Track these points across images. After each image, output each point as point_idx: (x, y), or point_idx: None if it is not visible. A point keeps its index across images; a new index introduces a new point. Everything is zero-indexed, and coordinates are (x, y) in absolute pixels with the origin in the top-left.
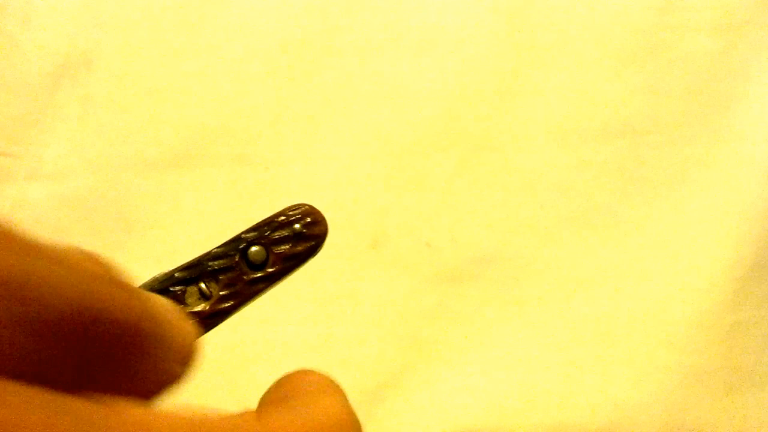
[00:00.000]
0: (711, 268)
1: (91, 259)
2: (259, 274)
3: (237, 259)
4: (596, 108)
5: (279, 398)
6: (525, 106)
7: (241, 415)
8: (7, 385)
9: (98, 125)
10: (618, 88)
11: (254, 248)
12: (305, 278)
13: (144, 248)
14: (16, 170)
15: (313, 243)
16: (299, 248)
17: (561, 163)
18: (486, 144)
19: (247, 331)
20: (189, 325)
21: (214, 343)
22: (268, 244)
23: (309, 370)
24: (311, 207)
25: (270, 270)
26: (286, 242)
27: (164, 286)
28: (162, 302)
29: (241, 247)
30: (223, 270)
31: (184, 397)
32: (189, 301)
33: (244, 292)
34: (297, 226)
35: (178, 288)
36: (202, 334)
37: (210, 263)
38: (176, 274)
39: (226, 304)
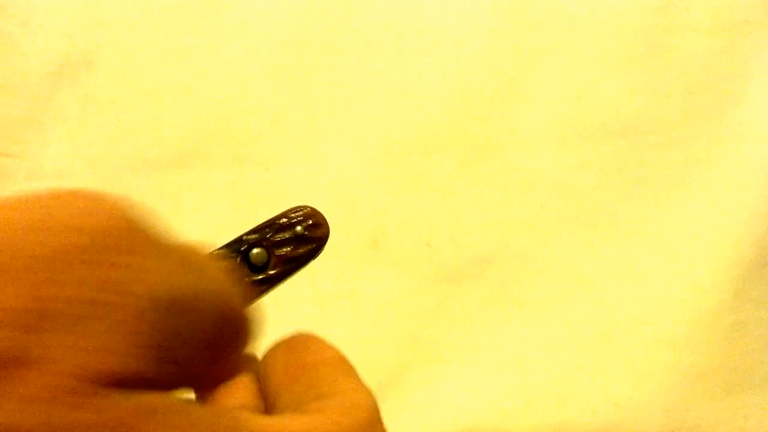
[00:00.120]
0: (711, 268)
1: (210, 255)
2: (260, 277)
3: (238, 261)
4: (596, 108)
5: (298, 381)
6: (525, 106)
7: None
8: (170, 402)
9: (98, 125)
10: (618, 88)
11: (256, 250)
12: (305, 278)
13: None
14: (16, 170)
15: (314, 245)
16: (301, 250)
17: (561, 164)
18: (486, 144)
19: None
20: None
21: None
22: (269, 246)
23: (313, 338)
24: (313, 209)
25: (271, 272)
26: (287, 244)
27: None
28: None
29: (242, 249)
30: None
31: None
32: None
33: (245, 295)
34: (299, 228)
35: None
36: None
37: None
38: None
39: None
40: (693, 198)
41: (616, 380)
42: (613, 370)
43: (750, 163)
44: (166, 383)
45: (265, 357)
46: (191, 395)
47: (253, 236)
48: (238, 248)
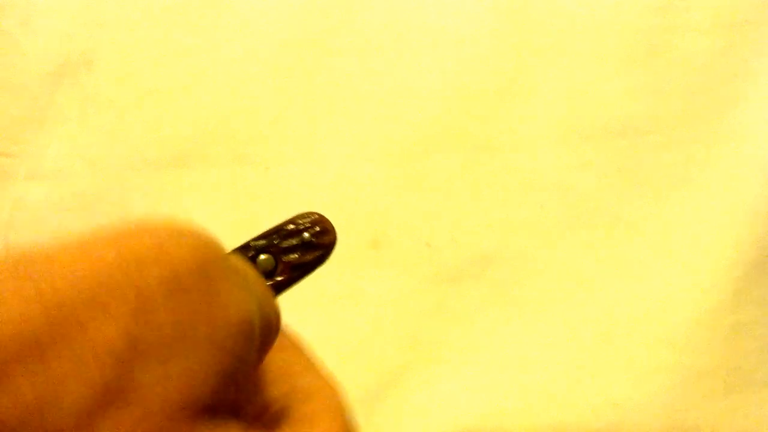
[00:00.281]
0: (711, 268)
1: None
2: (267, 283)
3: None
4: (596, 108)
5: (273, 384)
6: (525, 106)
7: None
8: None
9: (98, 125)
10: (618, 88)
11: (263, 256)
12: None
13: None
14: (16, 170)
15: (321, 252)
16: (308, 257)
17: (561, 164)
18: (486, 144)
19: None
20: None
21: None
22: (277, 253)
23: (310, 367)
24: (321, 216)
25: (279, 279)
26: (295, 251)
27: None
28: None
29: (249, 255)
30: None
31: None
32: None
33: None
34: (306, 234)
35: None
36: None
37: None
38: None
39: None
40: (693, 198)
41: (616, 380)
42: (613, 370)
43: (750, 163)
44: (233, 406)
45: None
46: None
47: (261, 242)
48: (245, 254)
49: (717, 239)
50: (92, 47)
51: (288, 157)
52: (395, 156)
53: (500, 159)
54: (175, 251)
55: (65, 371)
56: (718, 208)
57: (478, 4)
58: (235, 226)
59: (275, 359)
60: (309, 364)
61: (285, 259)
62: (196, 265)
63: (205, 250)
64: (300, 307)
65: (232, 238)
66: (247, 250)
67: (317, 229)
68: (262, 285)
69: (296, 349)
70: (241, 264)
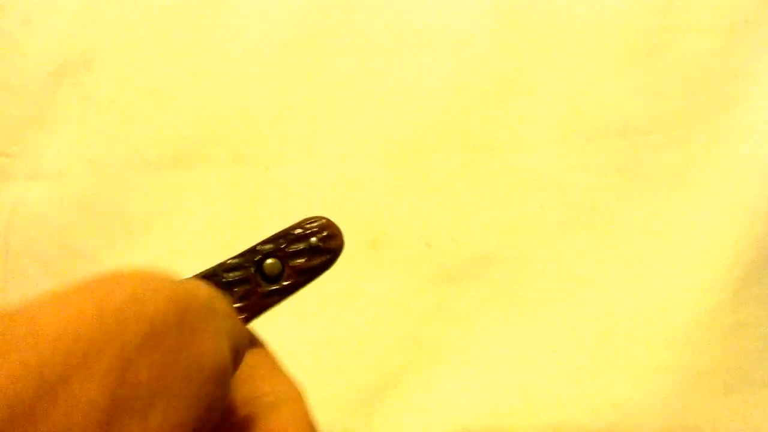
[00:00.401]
0: (711, 268)
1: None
2: (274, 287)
3: (252, 272)
4: (596, 108)
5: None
6: (525, 107)
7: None
8: None
9: (98, 125)
10: (618, 88)
11: (269, 260)
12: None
13: (144, 248)
14: (16, 170)
15: (328, 257)
16: (315, 262)
17: (561, 164)
18: (486, 144)
19: None
20: None
21: None
22: (283, 257)
23: (277, 372)
24: (328, 220)
25: (285, 283)
26: (302, 255)
27: None
28: None
29: (256, 259)
30: (238, 282)
31: None
32: None
33: (258, 305)
34: (313, 239)
35: None
36: None
37: (225, 275)
38: None
39: (240, 317)
40: (693, 198)
41: (616, 380)
42: (613, 370)
43: (750, 163)
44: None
45: None
46: None
47: (268, 246)
48: (252, 258)
49: (717, 239)
50: (92, 47)
51: (288, 157)
52: (395, 156)
53: (500, 159)
54: (152, 302)
55: (55, 431)
56: (718, 208)
57: (478, 4)
58: (235, 226)
59: (243, 362)
60: (275, 368)
61: (292, 263)
62: (172, 314)
63: (179, 297)
64: (300, 307)
65: (232, 238)
66: (254, 254)
67: (324, 233)
68: (231, 315)
69: (263, 352)
70: (210, 299)
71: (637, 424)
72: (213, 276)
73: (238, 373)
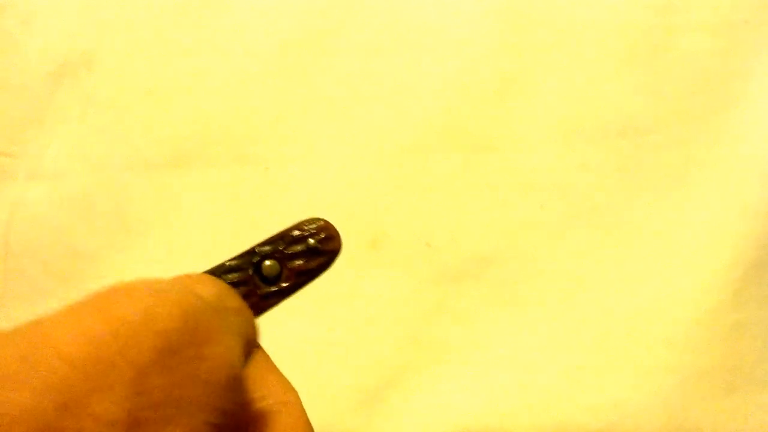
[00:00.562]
0: (711, 268)
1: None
2: (272, 289)
3: (251, 273)
4: (596, 108)
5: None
6: (525, 107)
7: None
8: None
9: (98, 125)
10: (618, 88)
11: (268, 262)
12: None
13: (144, 248)
14: (16, 170)
15: (327, 258)
16: (313, 263)
17: (561, 163)
18: (486, 144)
19: None
20: None
21: None
22: (282, 259)
23: (279, 378)
24: (326, 222)
25: (283, 285)
26: (300, 257)
27: None
28: None
29: (254, 261)
30: (236, 284)
31: None
32: None
33: (256, 307)
34: (311, 241)
35: None
36: None
37: (223, 276)
38: None
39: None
40: (693, 198)
41: (616, 380)
42: (613, 370)
43: (749, 163)
44: None
45: None
46: None
47: (266, 248)
48: (250, 260)
49: (717, 239)
50: (92, 47)
51: (288, 157)
52: (395, 156)
53: (500, 159)
54: (164, 316)
55: None
56: (718, 208)
57: (478, 4)
58: (235, 226)
59: (249, 365)
60: (271, 369)
61: (290, 265)
62: (184, 326)
63: (189, 308)
64: (300, 307)
65: (232, 238)
66: (253, 256)
67: (323, 235)
68: (239, 308)
69: (258, 353)
70: (219, 299)
71: (637, 424)
72: None
73: (248, 372)
